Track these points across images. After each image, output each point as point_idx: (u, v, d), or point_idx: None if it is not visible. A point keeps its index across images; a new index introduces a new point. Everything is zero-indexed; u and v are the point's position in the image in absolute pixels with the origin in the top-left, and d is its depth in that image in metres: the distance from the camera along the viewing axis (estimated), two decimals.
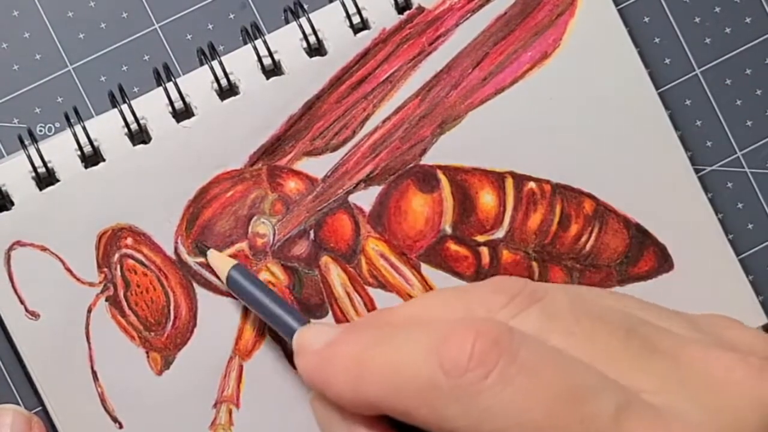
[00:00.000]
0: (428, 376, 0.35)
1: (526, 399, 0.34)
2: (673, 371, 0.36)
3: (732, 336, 0.37)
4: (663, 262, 0.46)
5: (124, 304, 0.44)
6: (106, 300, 0.44)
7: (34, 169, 0.44)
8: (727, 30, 0.48)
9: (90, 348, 0.44)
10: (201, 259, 0.44)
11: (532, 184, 0.45)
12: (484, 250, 0.45)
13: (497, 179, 0.45)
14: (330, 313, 0.45)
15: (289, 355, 0.44)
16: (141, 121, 0.44)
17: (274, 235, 0.45)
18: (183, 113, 0.45)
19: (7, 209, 0.44)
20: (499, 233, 0.45)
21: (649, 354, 0.36)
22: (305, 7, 0.45)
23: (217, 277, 0.44)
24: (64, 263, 0.44)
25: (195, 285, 0.44)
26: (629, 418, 0.34)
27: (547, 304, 0.37)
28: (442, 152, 0.45)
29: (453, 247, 0.45)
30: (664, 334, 0.37)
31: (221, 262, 0.44)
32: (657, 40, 0.48)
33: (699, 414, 0.34)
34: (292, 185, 0.45)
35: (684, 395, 0.35)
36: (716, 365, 0.36)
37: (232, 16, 0.47)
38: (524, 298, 0.38)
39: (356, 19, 0.45)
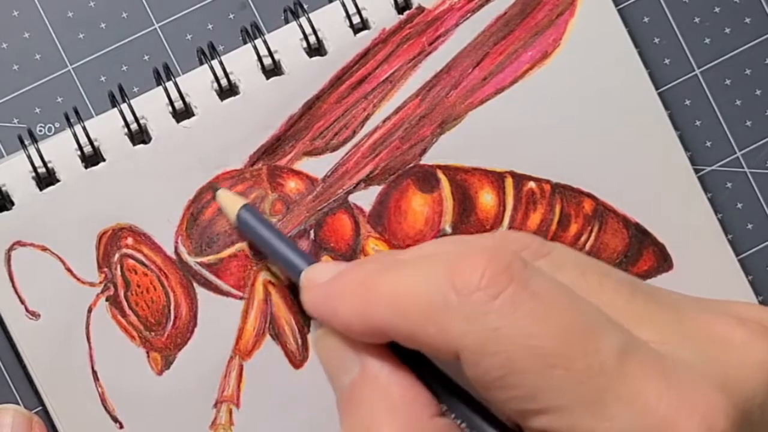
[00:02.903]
0: (438, 295, 0.35)
1: (535, 324, 0.34)
2: (677, 326, 0.36)
3: (735, 308, 0.38)
4: (662, 261, 0.46)
5: (125, 304, 0.44)
6: (107, 300, 0.44)
7: (34, 169, 0.44)
8: (727, 30, 0.48)
9: (90, 348, 0.44)
10: (201, 259, 0.44)
11: (531, 184, 0.46)
12: None
13: (497, 179, 0.45)
14: None
15: (289, 354, 0.44)
16: (141, 121, 0.44)
17: None
18: (183, 113, 0.45)
19: (7, 209, 0.44)
20: None
21: (654, 308, 0.36)
22: (305, 7, 0.45)
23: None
24: (64, 263, 0.44)
25: (195, 285, 0.44)
26: (631, 359, 0.34)
27: (555, 257, 0.37)
28: (442, 152, 0.45)
29: None
30: (667, 295, 0.37)
31: (231, 201, 0.43)
32: (657, 40, 0.48)
33: (703, 365, 0.35)
34: (292, 185, 0.45)
35: (688, 348, 0.35)
36: (719, 327, 0.36)
37: (232, 16, 0.47)
38: (532, 251, 0.37)
39: (356, 19, 0.45)
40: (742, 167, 0.48)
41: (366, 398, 0.37)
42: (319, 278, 0.39)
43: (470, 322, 0.34)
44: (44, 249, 0.44)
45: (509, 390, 0.34)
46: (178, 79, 0.44)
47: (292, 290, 0.44)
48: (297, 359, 0.44)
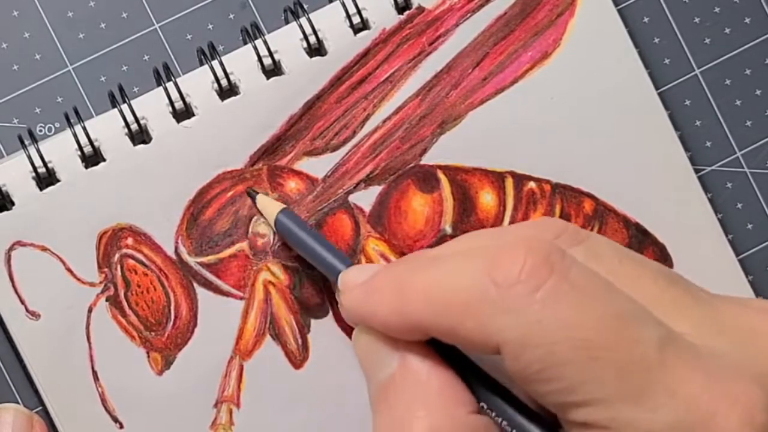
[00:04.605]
0: (477, 289, 0.35)
1: (577, 315, 0.34)
2: (711, 319, 0.36)
3: (761, 303, 0.38)
4: (662, 261, 0.46)
5: (125, 304, 0.44)
6: (107, 300, 0.44)
7: (34, 169, 0.43)
8: (727, 30, 0.48)
9: (90, 348, 0.44)
10: (201, 259, 0.44)
11: (532, 184, 0.46)
12: None
13: (497, 179, 0.45)
14: (330, 313, 0.45)
15: (289, 354, 0.44)
16: (141, 121, 0.44)
17: (274, 235, 0.45)
18: (183, 113, 0.45)
19: (7, 209, 0.44)
20: None
21: (689, 301, 0.36)
22: (305, 7, 0.45)
23: None
24: (64, 263, 0.44)
25: (195, 285, 0.44)
26: (671, 351, 0.34)
27: (592, 245, 0.37)
28: (442, 152, 0.45)
29: None
30: (701, 289, 0.38)
31: (270, 205, 0.44)
32: (657, 40, 0.48)
33: (739, 357, 0.35)
34: (292, 185, 0.45)
35: (722, 340, 0.35)
36: (751, 319, 0.36)
37: (232, 16, 0.47)
38: (569, 236, 0.38)
39: (356, 19, 0.45)
40: (742, 167, 0.48)
41: (404, 393, 0.37)
42: (357, 279, 0.40)
43: (511, 316, 0.34)
44: (44, 249, 0.44)
45: (551, 383, 0.34)
46: (178, 80, 0.44)
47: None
48: (297, 359, 0.44)
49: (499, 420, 0.37)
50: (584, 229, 0.38)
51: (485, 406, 0.37)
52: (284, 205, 0.44)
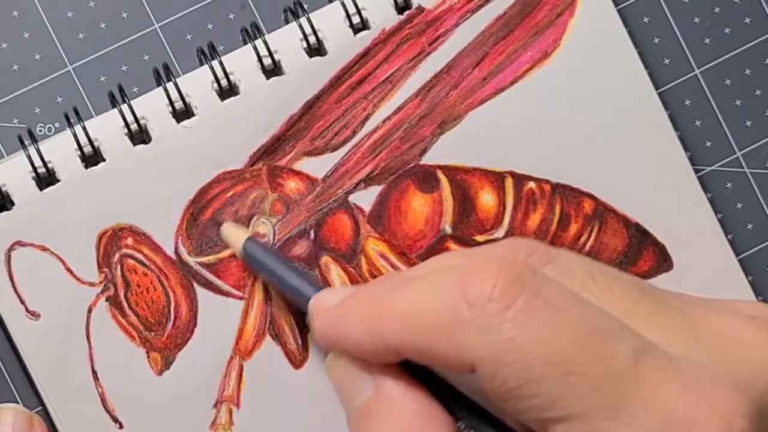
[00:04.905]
0: (450, 308, 0.35)
1: (549, 332, 0.34)
2: (686, 327, 0.36)
3: (740, 306, 0.38)
4: (662, 261, 0.46)
5: (125, 304, 0.44)
6: (107, 300, 0.44)
7: (34, 169, 0.43)
8: (727, 30, 0.48)
9: (90, 348, 0.44)
10: (201, 259, 0.44)
11: (531, 184, 0.46)
12: None
13: (497, 179, 0.45)
14: None
15: (289, 354, 0.44)
16: (141, 121, 0.44)
17: (274, 235, 0.45)
18: (183, 113, 0.45)
19: (7, 209, 0.44)
20: (499, 233, 0.45)
21: (662, 311, 0.36)
22: (305, 7, 0.45)
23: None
24: (64, 263, 0.44)
25: (195, 285, 0.44)
26: (646, 362, 0.34)
27: (562, 263, 0.37)
28: (442, 152, 0.45)
29: (453, 246, 0.45)
30: (674, 296, 0.38)
31: (236, 233, 0.43)
32: (657, 40, 0.48)
33: (715, 364, 0.35)
34: (292, 185, 0.45)
35: (697, 348, 0.35)
36: (728, 325, 0.36)
37: (232, 16, 0.47)
38: (540, 255, 0.38)
39: (356, 19, 0.45)
40: (742, 167, 0.48)
41: (380, 418, 0.37)
42: (328, 303, 0.40)
43: (485, 334, 0.34)
44: (44, 249, 0.44)
45: (527, 399, 0.34)
46: (178, 80, 0.44)
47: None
48: (297, 359, 0.44)
49: None
50: (554, 247, 0.39)
51: (462, 426, 0.37)
52: (249, 234, 0.43)
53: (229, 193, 0.45)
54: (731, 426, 0.33)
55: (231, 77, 0.45)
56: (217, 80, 0.44)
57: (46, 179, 0.44)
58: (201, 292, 0.44)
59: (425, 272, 0.38)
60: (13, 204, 0.44)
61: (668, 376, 0.34)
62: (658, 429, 0.33)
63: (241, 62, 0.45)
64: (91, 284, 0.44)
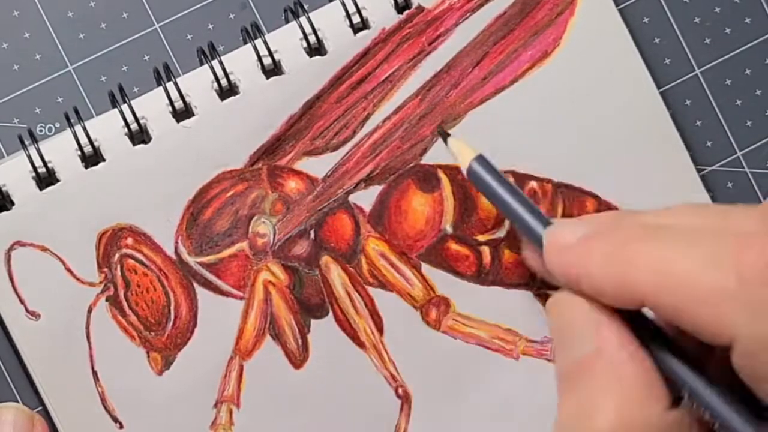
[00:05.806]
0: (718, 277, 0.34)
1: None
2: None
3: None
4: None
5: (125, 304, 0.44)
6: (107, 300, 0.44)
7: (34, 169, 0.43)
8: (727, 30, 0.48)
9: (90, 348, 0.44)
10: (201, 259, 0.44)
11: (533, 184, 0.45)
12: (486, 250, 0.45)
13: None
14: (330, 313, 0.45)
15: (289, 354, 0.44)
16: (141, 121, 0.44)
17: (274, 234, 0.45)
18: (183, 113, 0.45)
19: (7, 209, 0.44)
20: (501, 233, 0.45)
21: None
22: (305, 6, 0.45)
23: None
24: (64, 263, 0.44)
25: (195, 285, 0.44)
26: None
27: None
28: (442, 152, 0.45)
29: (454, 246, 0.45)
30: None
31: (463, 150, 0.42)
32: (657, 40, 0.48)
33: None
34: (292, 185, 0.45)
35: None
36: None
37: (232, 16, 0.47)
38: None
39: (356, 19, 0.45)
40: (743, 167, 0.48)
41: (596, 379, 0.36)
42: (567, 238, 0.38)
43: (755, 314, 0.33)
44: (44, 249, 0.44)
45: None
46: (178, 79, 0.44)
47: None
48: (297, 359, 0.44)
49: (702, 410, 0.35)
50: None
51: (687, 396, 0.36)
52: (478, 152, 0.42)
53: (229, 193, 0.45)
54: None
55: (231, 77, 0.44)
56: (217, 80, 0.44)
57: (46, 179, 0.44)
58: (201, 292, 0.44)
59: (678, 226, 0.36)
60: (13, 204, 0.44)
61: None
62: None
63: (241, 62, 0.45)
64: (91, 284, 0.44)
